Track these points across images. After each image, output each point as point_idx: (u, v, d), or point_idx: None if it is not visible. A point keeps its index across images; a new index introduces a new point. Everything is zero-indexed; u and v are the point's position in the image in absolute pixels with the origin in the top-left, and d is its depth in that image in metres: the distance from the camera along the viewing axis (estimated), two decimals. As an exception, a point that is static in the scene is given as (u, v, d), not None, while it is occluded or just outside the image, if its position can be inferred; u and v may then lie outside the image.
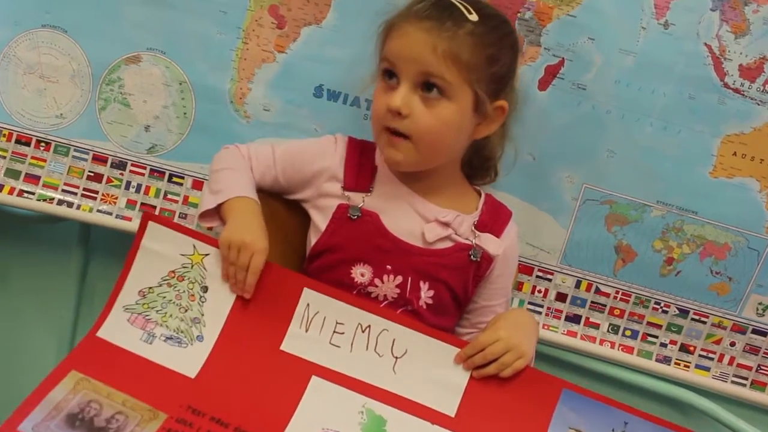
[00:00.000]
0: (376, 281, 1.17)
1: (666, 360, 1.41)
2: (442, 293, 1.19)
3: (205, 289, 1.13)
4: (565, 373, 1.44)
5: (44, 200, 1.37)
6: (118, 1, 1.33)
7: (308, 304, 1.12)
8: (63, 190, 1.38)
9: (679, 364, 1.42)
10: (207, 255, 1.14)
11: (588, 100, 1.33)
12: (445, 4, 1.12)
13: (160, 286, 1.13)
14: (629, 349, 1.41)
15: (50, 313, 1.56)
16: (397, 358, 1.12)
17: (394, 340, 1.12)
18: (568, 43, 1.31)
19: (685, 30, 1.30)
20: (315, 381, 1.09)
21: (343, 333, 1.12)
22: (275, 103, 1.36)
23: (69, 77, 1.36)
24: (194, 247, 1.14)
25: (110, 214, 1.38)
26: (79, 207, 1.38)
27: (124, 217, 1.38)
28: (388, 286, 1.17)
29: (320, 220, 1.20)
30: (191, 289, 1.13)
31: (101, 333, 1.10)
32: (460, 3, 1.12)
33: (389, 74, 1.13)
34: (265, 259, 1.11)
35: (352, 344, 1.12)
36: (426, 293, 1.18)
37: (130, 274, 1.14)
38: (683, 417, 1.46)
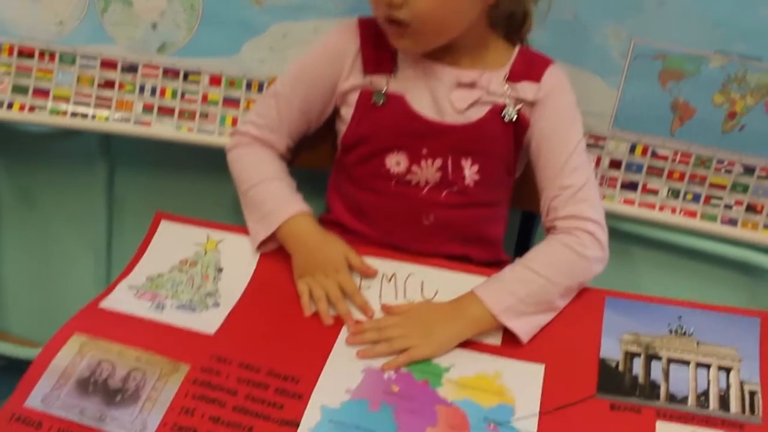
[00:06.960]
0: (414, 168, 1.09)
1: (732, 222, 1.31)
2: (488, 165, 1.11)
3: (220, 269, 1.09)
4: (623, 244, 1.36)
5: (57, 114, 1.30)
6: None
7: None
8: (75, 102, 1.30)
9: (746, 225, 1.31)
10: (221, 241, 1.10)
11: (631, -59, 1.17)
12: None
13: (171, 272, 1.08)
14: (692, 214, 1.31)
15: (83, 227, 1.51)
16: (429, 300, 1.06)
17: (422, 282, 1.07)
18: None
19: None
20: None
21: (369, 287, 1.06)
22: (287, -18, 1.24)
23: (63, -20, 1.26)
24: (208, 236, 1.12)
25: (128, 120, 1.30)
26: (94, 117, 1.30)
27: (142, 122, 1.30)
28: (428, 171, 1.09)
29: (345, 111, 1.12)
30: (205, 271, 1.09)
31: (104, 304, 1.03)
32: None
33: None
34: (349, 272, 1.07)
35: (380, 296, 1.06)
36: (470, 170, 1.10)
37: (139, 264, 1.09)
38: (753, 281, 1.36)
